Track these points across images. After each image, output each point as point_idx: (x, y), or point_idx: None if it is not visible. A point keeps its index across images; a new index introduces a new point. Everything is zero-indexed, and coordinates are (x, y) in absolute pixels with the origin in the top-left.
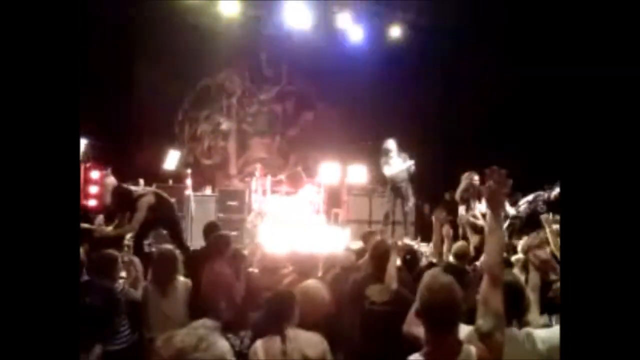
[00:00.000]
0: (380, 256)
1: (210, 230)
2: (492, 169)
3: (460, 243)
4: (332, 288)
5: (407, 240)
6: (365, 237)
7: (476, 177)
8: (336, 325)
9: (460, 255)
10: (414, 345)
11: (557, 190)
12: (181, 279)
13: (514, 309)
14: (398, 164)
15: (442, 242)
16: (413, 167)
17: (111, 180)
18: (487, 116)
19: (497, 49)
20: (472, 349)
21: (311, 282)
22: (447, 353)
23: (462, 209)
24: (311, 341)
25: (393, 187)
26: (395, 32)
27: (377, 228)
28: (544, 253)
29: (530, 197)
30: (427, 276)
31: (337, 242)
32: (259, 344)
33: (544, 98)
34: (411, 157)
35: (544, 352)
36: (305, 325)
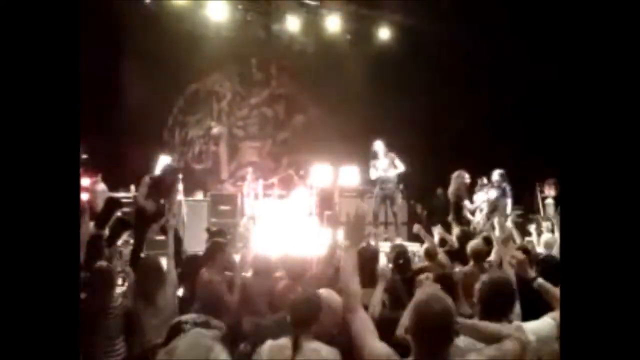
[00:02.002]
0: (366, 261)
1: (213, 237)
2: None
3: (475, 242)
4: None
5: (399, 241)
6: None
7: (467, 176)
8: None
9: (476, 255)
10: (409, 349)
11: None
12: (171, 286)
13: (507, 306)
14: (383, 165)
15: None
16: (400, 168)
17: (101, 187)
18: (477, 115)
19: (486, 48)
20: None
21: (324, 290)
22: None
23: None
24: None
25: (380, 189)
26: (385, 33)
27: (368, 230)
28: (519, 254)
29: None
30: (421, 301)
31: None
32: (267, 346)
33: (535, 96)
34: (400, 157)
35: (535, 343)
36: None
